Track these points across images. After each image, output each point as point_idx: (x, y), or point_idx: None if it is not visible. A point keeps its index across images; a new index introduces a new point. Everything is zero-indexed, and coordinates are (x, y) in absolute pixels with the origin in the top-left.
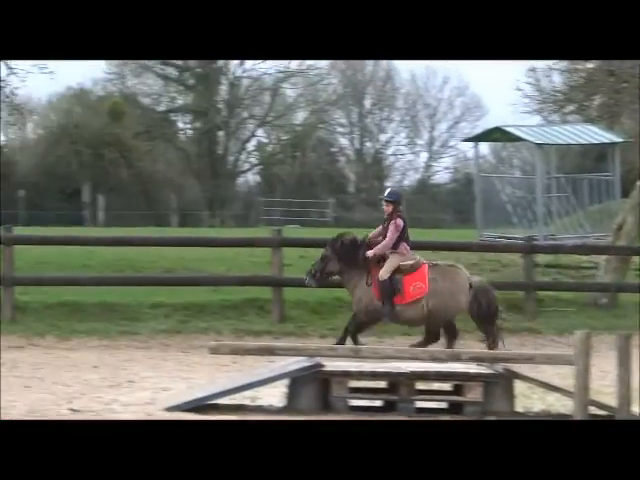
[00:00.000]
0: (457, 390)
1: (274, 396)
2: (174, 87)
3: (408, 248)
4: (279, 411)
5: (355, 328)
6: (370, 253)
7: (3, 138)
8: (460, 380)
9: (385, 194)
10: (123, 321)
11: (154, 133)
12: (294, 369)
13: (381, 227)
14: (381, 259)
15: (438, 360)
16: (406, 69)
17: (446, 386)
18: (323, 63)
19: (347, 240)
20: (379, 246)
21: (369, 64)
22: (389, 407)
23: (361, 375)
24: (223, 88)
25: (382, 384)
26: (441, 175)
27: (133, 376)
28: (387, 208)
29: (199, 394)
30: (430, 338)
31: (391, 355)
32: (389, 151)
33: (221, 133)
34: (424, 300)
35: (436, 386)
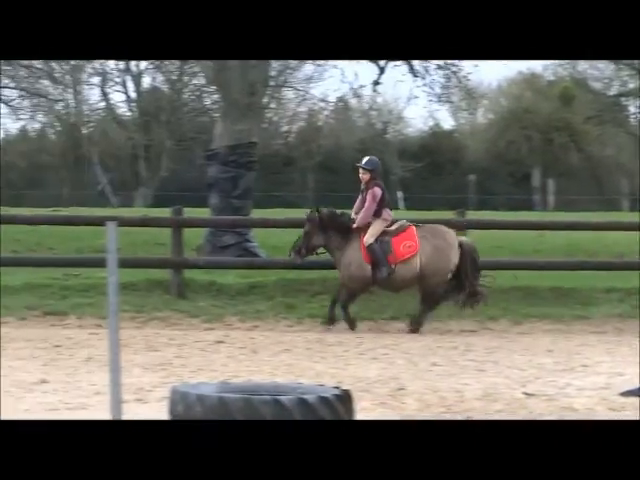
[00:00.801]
0: None
1: None
2: (626, 71)
3: (391, 214)
4: None
5: (346, 298)
6: (354, 225)
7: (453, 123)
8: None
9: (362, 162)
10: (576, 305)
11: (605, 117)
12: None
13: (360, 197)
14: (366, 227)
15: None
16: None
17: None
18: None
19: (326, 212)
20: (359, 217)
21: None
22: None
23: None
24: None
25: None
26: None
27: (587, 360)
28: (364, 176)
29: None
30: (428, 302)
31: None
32: None
33: None
34: (417, 258)
35: None
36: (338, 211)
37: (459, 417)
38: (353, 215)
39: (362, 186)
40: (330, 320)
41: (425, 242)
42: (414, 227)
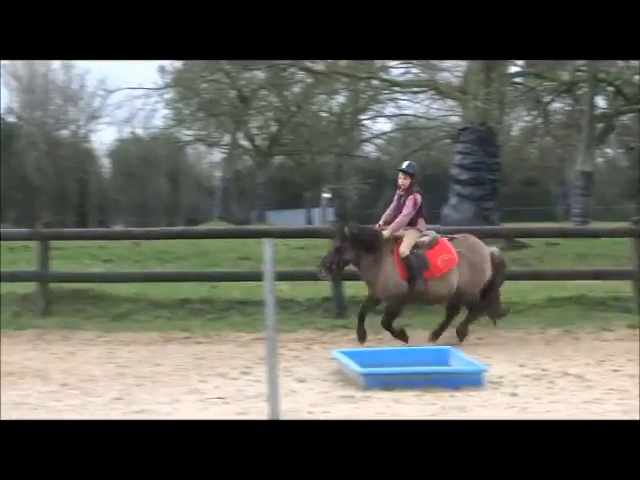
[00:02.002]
0: None
1: None
2: None
3: (425, 224)
4: None
5: (388, 317)
6: (387, 233)
7: None
8: None
9: (403, 166)
10: None
11: None
12: None
13: (395, 203)
14: (399, 238)
15: None
16: None
17: None
18: None
19: (357, 227)
20: (394, 223)
21: None
22: None
23: None
24: None
25: None
26: None
27: None
28: (404, 181)
29: None
30: (454, 314)
31: None
32: None
33: None
34: (454, 274)
35: None
36: (365, 225)
37: None
38: (381, 223)
39: (399, 192)
40: (360, 335)
41: (461, 258)
42: (446, 239)
